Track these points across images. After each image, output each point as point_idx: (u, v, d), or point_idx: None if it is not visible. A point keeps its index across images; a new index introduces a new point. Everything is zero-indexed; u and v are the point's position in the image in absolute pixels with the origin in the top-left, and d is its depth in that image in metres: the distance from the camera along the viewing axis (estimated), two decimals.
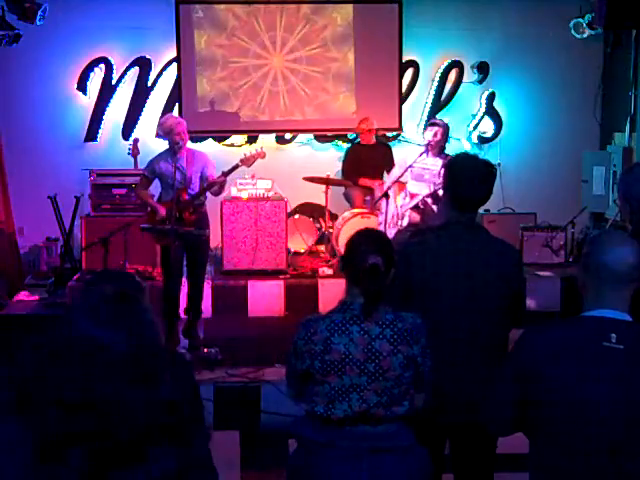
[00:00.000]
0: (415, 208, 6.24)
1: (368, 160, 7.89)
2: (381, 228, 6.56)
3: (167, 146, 6.23)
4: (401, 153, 7.51)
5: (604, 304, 2.21)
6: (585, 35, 8.60)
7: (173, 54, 8.59)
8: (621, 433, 2.13)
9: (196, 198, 6.10)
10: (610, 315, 2.20)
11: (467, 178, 3.14)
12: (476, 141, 8.91)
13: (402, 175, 6.38)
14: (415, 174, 6.30)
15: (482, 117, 8.85)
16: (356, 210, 7.59)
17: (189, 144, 6.30)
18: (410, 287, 3.08)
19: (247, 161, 6.32)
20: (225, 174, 6.17)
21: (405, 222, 6.36)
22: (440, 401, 2.99)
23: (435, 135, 6.11)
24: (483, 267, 3.09)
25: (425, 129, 6.40)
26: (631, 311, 2.25)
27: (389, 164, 7.84)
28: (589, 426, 2.15)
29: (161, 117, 7.31)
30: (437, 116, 8.80)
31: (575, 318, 2.26)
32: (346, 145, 8.63)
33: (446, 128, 6.24)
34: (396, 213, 6.45)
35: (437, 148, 6.15)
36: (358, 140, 8.35)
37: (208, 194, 6.30)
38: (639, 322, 2.26)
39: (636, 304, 2.28)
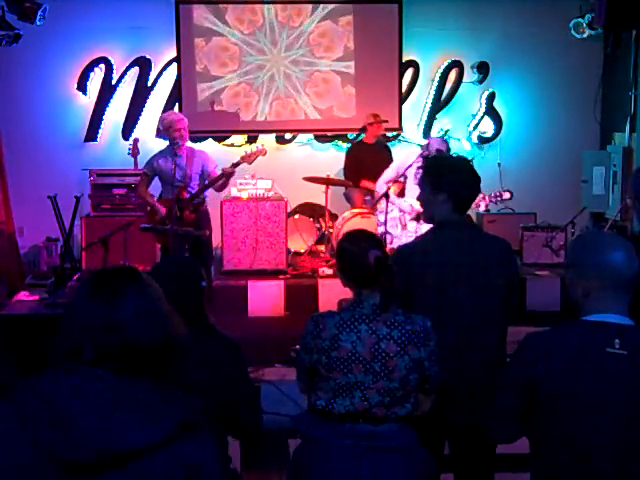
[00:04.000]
0: None
1: (370, 160, 7.86)
2: (381, 229, 6.58)
3: (167, 144, 6.27)
4: (401, 155, 7.50)
5: (608, 309, 2.19)
6: (585, 35, 8.60)
7: (173, 54, 8.59)
8: (622, 437, 2.12)
9: (196, 196, 6.15)
10: (614, 320, 2.17)
11: (465, 179, 3.17)
12: (476, 141, 8.90)
13: (398, 176, 6.46)
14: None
15: (482, 117, 8.85)
16: (356, 210, 7.59)
17: (190, 143, 6.34)
18: (410, 287, 3.07)
19: (248, 158, 6.40)
20: (225, 171, 6.20)
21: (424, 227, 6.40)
22: (441, 402, 2.98)
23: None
24: (484, 264, 3.09)
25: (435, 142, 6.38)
26: (631, 313, 2.23)
27: (388, 164, 7.85)
28: (590, 431, 2.14)
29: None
30: (437, 116, 8.83)
31: (578, 322, 2.23)
32: (346, 145, 8.63)
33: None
34: (412, 213, 6.47)
35: None
36: (361, 138, 8.31)
37: (209, 192, 6.31)
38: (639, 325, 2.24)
39: (636, 306, 2.27)
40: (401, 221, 6.69)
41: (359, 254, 2.72)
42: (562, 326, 2.28)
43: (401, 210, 6.64)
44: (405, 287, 3.02)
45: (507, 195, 6.23)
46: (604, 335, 2.15)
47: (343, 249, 2.84)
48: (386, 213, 6.31)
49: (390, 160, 7.91)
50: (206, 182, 6.24)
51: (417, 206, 6.44)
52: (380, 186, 6.64)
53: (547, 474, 2.26)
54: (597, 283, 2.20)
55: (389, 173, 6.68)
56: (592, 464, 2.15)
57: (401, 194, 6.98)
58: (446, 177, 3.19)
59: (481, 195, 6.31)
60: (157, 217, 6.19)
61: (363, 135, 8.23)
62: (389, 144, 8.54)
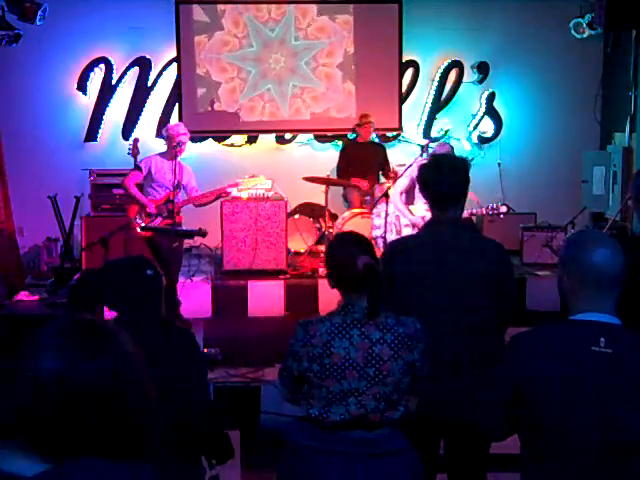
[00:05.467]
0: None
1: (360, 158, 7.86)
2: (380, 231, 6.57)
3: (165, 149, 6.46)
4: (403, 153, 7.50)
5: (595, 307, 2.19)
6: (585, 35, 8.60)
7: (173, 54, 8.59)
8: (607, 436, 2.12)
9: (186, 202, 6.40)
10: (602, 319, 2.17)
11: (435, 176, 3.17)
12: (476, 141, 8.90)
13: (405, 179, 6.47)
14: None
15: (482, 117, 8.85)
16: (356, 210, 7.58)
17: (185, 151, 6.50)
18: (393, 286, 3.05)
19: (248, 182, 6.76)
20: (224, 189, 6.48)
21: None
22: (433, 400, 2.98)
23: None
24: (465, 264, 3.08)
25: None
26: (620, 314, 2.23)
27: (383, 163, 7.85)
28: (576, 430, 2.15)
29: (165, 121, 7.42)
30: (437, 116, 8.82)
31: (565, 321, 2.24)
32: None
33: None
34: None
35: None
36: (355, 137, 8.29)
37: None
38: (629, 325, 2.24)
39: (626, 307, 2.27)
40: (396, 226, 6.66)
41: (347, 259, 2.65)
42: (548, 325, 2.29)
43: (400, 215, 6.57)
44: (388, 284, 2.99)
45: (504, 209, 6.22)
46: (590, 334, 2.16)
47: (331, 253, 2.80)
48: (386, 215, 6.28)
49: (384, 158, 7.92)
50: (192, 194, 6.46)
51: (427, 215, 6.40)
52: (395, 196, 6.52)
53: (537, 472, 2.27)
54: (579, 280, 2.20)
55: (403, 181, 6.61)
56: (578, 463, 2.16)
57: (409, 201, 6.87)
58: (420, 179, 3.25)
59: (477, 204, 6.29)
60: (147, 210, 6.32)
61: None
62: (389, 144, 8.54)
